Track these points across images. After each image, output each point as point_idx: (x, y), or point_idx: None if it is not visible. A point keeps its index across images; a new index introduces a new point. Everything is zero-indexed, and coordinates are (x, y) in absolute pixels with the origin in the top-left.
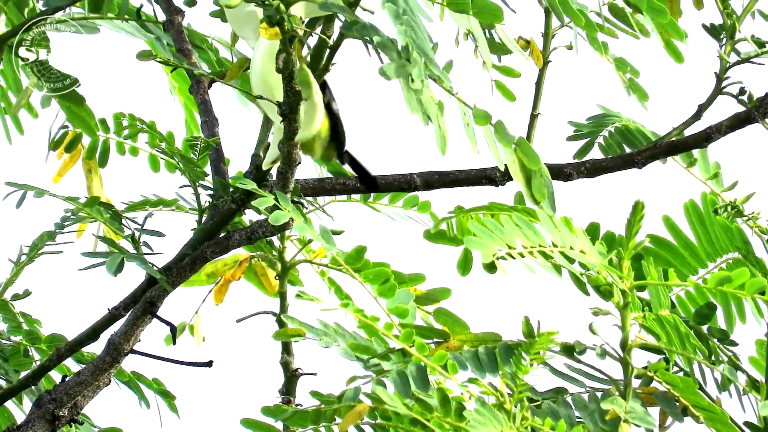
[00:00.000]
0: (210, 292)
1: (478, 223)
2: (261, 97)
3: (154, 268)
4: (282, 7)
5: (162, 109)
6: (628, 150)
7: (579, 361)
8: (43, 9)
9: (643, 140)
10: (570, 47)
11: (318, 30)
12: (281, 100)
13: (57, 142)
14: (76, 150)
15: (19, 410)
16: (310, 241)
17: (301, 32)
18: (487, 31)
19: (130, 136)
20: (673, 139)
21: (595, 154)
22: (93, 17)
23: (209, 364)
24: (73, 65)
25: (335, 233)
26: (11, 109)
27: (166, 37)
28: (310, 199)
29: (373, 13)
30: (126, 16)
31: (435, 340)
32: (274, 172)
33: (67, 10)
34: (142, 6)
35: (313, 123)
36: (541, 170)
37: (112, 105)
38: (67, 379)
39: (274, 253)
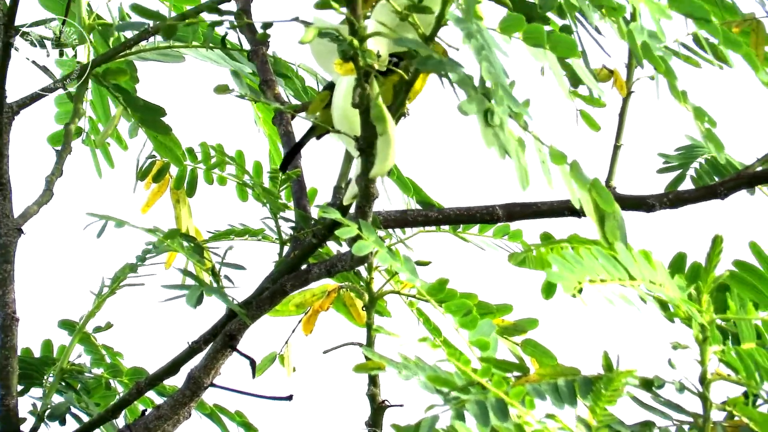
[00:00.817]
0: (299, 322)
1: (558, 256)
2: (340, 132)
3: (234, 301)
4: (356, 42)
5: (248, 138)
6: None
7: (657, 396)
8: (127, 38)
9: (733, 172)
10: (653, 78)
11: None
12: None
13: (144, 172)
14: (164, 180)
15: None
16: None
17: (377, 67)
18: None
19: (216, 165)
20: (758, 169)
21: (686, 185)
22: (177, 46)
23: (289, 398)
24: (159, 94)
25: (421, 264)
26: (98, 138)
27: (251, 67)
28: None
29: (458, 49)
30: (211, 45)
31: (515, 373)
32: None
33: (152, 39)
34: (227, 34)
35: (387, 159)
36: (614, 212)
37: (200, 133)
38: (147, 413)
39: (362, 283)
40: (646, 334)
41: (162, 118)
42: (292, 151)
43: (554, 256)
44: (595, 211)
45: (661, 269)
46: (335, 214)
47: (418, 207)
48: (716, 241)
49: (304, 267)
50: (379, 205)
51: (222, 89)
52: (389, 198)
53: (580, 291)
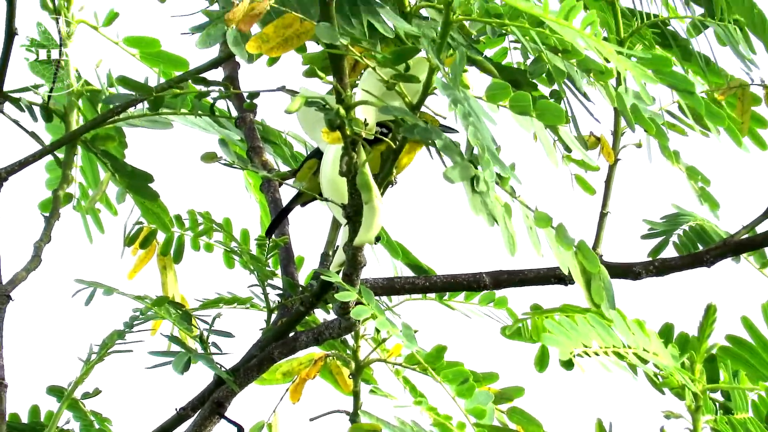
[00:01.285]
0: (286, 390)
1: (553, 322)
2: (328, 200)
3: (222, 368)
4: (342, 111)
5: (238, 203)
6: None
7: None
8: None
9: (717, 240)
10: (639, 145)
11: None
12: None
13: (132, 238)
14: (150, 246)
15: None
16: (384, 339)
17: (364, 135)
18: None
19: (204, 232)
20: (744, 237)
21: (669, 252)
22: (166, 112)
23: None
24: (148, 159)
25: None
26: (86, 204)
27: (239, 133)
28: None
29: (444, 117)
30: (200, 112)
31: None
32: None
33: (140, 105)
34: (215, 102)
35: (372, 227)
36: (600, 273)
37: (189, 198)
38: None
39: (348, 352)
40: (637, 402)
41: (150, 185)
42: (278, 218)
43: (550, 322)
44: (581, 273)
45: (655, 338)
46: (335, 278)
47: (407, 270)
48: (709, 311)
49: (291, 335)
50: (366, 272)
51: (209, 157)
52: (378, 260)
53: (571, 367)
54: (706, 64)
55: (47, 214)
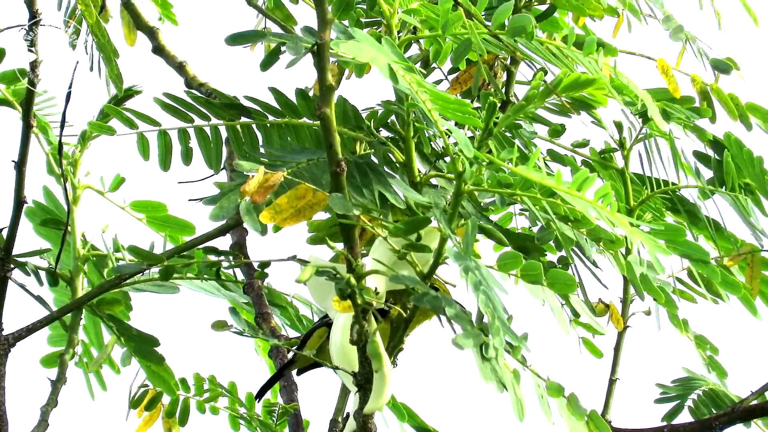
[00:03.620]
0: None
1: None
2: (337, 368)
3: None
4: (353, 281)
5: (247, 366)
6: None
7: None
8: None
9: (730, 405)
10: (648, 313)
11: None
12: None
13: (137, 400)
14: (156, 408)
15: None
16: None
17: (375, 304)
18: None
19: (210, 399)
20: (753, 403)
21: (684, 416)
22: (173, 277)
23: None
24: (153, 321)
25: None
26: (91, 365)
27: (245, 297)
28: None
29: (455, 286)
30: (206, 276)
31: None
32: None
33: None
34: (220, 266)
35: (382, 396)
36: None
37: (197, 359)
38: None
39: None
40: None
41: (155, 348)
42: (270, 382)
43: None
44: None
45: None
46: None
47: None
48: None
49: None
50: None
51: (220, 325)
52: (387, 424)
53: None
54: (715, 230)
55: (52, 378)
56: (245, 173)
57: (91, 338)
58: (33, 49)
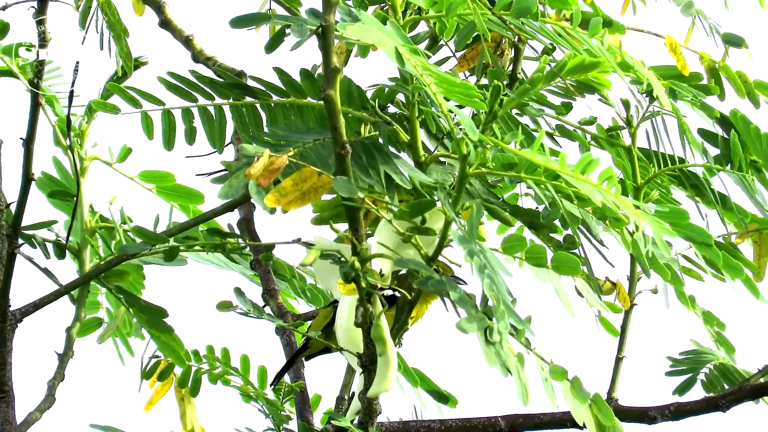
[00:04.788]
0: None
1: None
2: (343, 350)
3: None
4: (357, 264)
5: (261, 335)
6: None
7: None
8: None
9: (740, 379)
10: (655, 291)
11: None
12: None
13: (149, 371)
14: (168, 379)
15: None
16: None
17: (379, 286)
18: None
19: (220, 375)
20: (761, 381)
21: (696, 390)
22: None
23: None
24: (166, 293)
25: None
26: (100, 337)
27: (249, 270)
28: None
29: (460, 266)
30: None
31: None
32: None
33: None
34: (227, 242)
35: (387, 379)
36: (614, 426)
37: (213, 326)
38: None
39: None
40: None
41: (164, 319)
42: (284, 369)
43: None
44: (596, 425)
45: None
46: (345, 422)
47: (428, 398)
48: None
49: None
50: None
51: (225, 306)
52: (402, 389)
53: None
54: (722, 204)
55: (60, 353)
56: (252, 155)
57: (114, 306)
58: (42, 26)
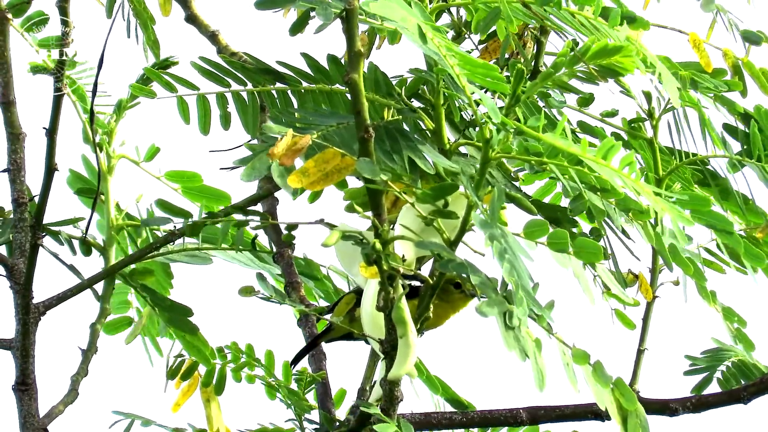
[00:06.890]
0: None
1: None
2: (366, 335)
3: None
4: (379, 246)
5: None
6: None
7: None
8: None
9: (759, 375)
10: (677, 283)
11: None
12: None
13: (174, 371)
14: (193, 378)
15: None
16: None
17: (402, 271)
18: None
19: (244, 365)
20: None
21: (713, 388)
22: (206, 247)
23: None
24: (191, 291)
25: None
26: (127, 337)
27: (276, 269)
28: None
29: (483, 255)
30: (240, 247)
31: None
32: None
33: (180, 240)
34: (257, 236)
35: (406, 362)
36: (637, 411)
37: (239, 323)
38: None
39: None
40: None
41: (189, 318)
42: (305, 350)
43: None
44: (618, 410)
45: None
46: (374, 409)
47: (447, 405)
48: None
49: None
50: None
51: (247, 291)
52: (417, 395)
53: None
54: (744, 203)
55: (84, 348)
56: (274, 135)
57: (143, 305)
58: (65, 16)
